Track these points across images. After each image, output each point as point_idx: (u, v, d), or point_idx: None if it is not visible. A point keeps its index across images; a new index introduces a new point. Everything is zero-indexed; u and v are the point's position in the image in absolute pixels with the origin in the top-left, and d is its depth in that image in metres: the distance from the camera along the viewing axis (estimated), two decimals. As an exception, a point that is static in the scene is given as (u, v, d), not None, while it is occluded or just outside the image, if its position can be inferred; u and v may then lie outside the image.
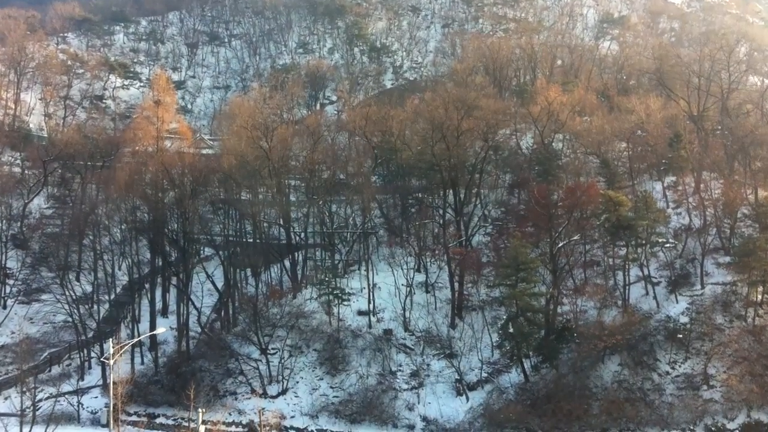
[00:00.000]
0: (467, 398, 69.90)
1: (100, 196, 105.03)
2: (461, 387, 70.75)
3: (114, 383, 53.56)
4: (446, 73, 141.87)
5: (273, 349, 76.61)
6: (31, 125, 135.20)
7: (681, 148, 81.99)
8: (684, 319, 69.54)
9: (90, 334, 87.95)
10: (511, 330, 68.40)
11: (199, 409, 44.54)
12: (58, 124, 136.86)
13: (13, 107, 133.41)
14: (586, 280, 78.38)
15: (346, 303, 78.97)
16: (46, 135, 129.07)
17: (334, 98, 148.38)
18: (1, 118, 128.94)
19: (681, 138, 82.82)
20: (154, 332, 69.52)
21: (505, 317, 73.49)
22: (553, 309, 71.45)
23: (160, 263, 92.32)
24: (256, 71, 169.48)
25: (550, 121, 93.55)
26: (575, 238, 74.43)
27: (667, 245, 73.88)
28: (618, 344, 66.00)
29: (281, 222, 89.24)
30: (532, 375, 69.20)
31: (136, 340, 66.55)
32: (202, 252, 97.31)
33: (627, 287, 73.54)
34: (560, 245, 72.91)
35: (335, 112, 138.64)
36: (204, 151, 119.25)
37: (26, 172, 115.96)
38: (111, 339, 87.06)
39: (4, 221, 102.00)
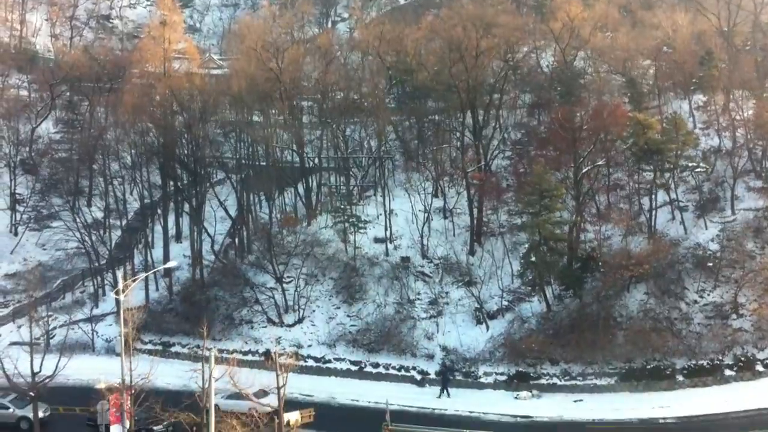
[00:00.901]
0: (487, 327, 67.40)
1: (109, 119, 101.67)
2: (481, 316, 68.14)
3: (125, 319, 50.63)
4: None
5: (288, 277, 74.07)
6: (37, 47, 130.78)
7: (713, 66, 77.16)
8: (714, 246, 66.17)
9: (103, 261, 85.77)
10: (533, 259, 65.29)
11: (212, 352, 41.93)
12: (65, 45, 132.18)
13: (19, 28, 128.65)
14: (610, 204, 74.89)
15: (362, 231, 75.96)
16: (52, 57, 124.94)
17: (346, 15, 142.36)
18: (7, 39, 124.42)
19: (713, 55, 77.85)
20: (166, 266, 67.03)
21: (526, 244, 70.41)
22: (575, 236, 68.08)
23: (172, 188, 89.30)
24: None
25: (572, 38, 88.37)
26: (600, 162, 70.56)
27: (698, 170, 69.91)
28: (645, 273, 62.81)
29: (294, 147, 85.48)
30: (555, 304, 66.39)
31: (145, 275, 64.07)
32: (214, 175, 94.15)
33: (653, 212, 69.84)
34: (585, 170, 69.17)
35: (347, 30, 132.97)
36: (214, 72, 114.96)
37: (33, 95, 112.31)
38: (121, 271, 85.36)
39: (13, 146, 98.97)
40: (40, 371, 59.24)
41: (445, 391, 62.44)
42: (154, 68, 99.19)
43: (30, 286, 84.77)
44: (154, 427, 55.37)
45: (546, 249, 65.52)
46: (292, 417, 50.03)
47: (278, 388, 44.93)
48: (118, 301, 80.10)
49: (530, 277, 66.04)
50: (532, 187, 65.52)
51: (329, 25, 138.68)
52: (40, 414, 59.63)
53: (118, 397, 51.01)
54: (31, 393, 56.77)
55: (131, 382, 50.87)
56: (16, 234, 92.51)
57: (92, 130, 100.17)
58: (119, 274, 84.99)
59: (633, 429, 54.83)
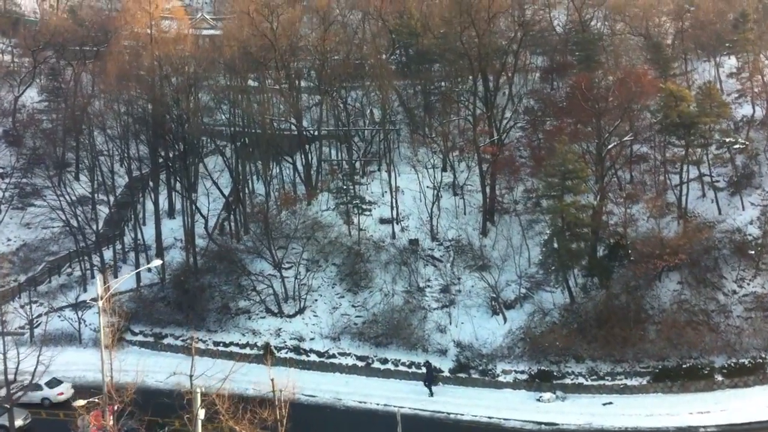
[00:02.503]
0: (504, 319, 59.97)
1: (95, 88, 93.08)
2: (497, 306, 60.69)
3: (108, 324, 43.07)
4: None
5: (288, 263, 66.48)
6: (23, 8, 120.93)
7: (747, 29, 68.30)
8: (753, 230, 58.45)
9: (91, 241, 77.98)
10: (555, 246, 57.64)
11: (198, 391, 34.46)
12: (53, 5, 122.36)
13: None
14: (632, 179, 67.12)
15: (367, 213, 68.12)
16: (38, 19, 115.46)
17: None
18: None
19: (747, 17, 68.86)
20: (151, 265, 59.60)
21: (543, 223, 63.20)
22: (596, 220, 59.93)
23: (163, 161, 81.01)
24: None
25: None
26: (628, 138, 62.44)
27: (736, 146, 61.68)
28: (680, 263, 55.24)
29: (292, 120, 76.99)
30: (580, 297, 58.77)
31: (129, 275, 55.50)
32: (209, 145, 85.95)
33: (683, 188, 61.72)
34: (610, 147, 61.03)
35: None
36: (206, 32, 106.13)
37: (16, 60, 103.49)
38: (110, 251, 77.90)
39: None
40: (15, 380, 52.05)
41: (430, 390, 56.20)
42: (142, 29, 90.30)
43: (15, 269, 77.66)
44: (147, 441, 48.25)
45: (569, 235, 57.75)
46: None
47: (278, 421, 37.54)
48: (107, 290, 73.36)
49: (553, 267, 58.23)
50: (554, 167, 57.45)
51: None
52: (20, 422, 53.15)
53: (99, 415, 43.90)
54: (6, 405, 49.80)
55: (114, 398, 43.54)
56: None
57: (78, 99, 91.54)
58: (108, 254, 78.41)
59: (670, 440, 48.05)
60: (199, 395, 35.06)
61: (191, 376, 37.72)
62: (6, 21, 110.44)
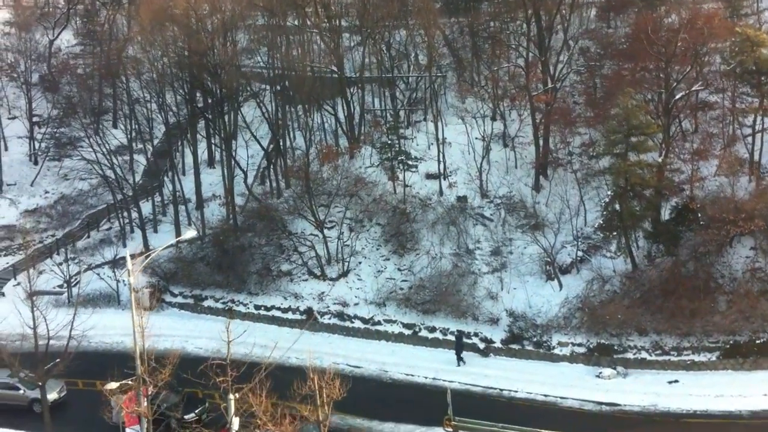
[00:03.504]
0: (560, 285, 54.90)
1: (130, 30, 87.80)
2: (552, 271, 55.59)
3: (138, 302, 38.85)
4: None
5: (330, 222, 61.86)
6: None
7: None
8: (835, 190, 52.21)
9: (129, 193, 74.02)
10: (617, 207, 52.01)
11: (232, 400, 30.54)
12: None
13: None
14: (698, 130, 60.55)
15: (413, 170, 62.79)
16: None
17: None
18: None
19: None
20: (183, 237, 55.41)
21: (600, 177, 57.59)
22: (660, 178, 53.72)
23: (201, 109, 76.09)
24: None
25: None
26: (698, 87, 55.74)
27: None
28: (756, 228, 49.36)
29: (333, 68, 71.16)
30: (644, 264, 53.25)
31: (159, 250, 50.63)
32: (246, 90, 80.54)
33: (755, 140, 55.31)
34: (678, 97, 54.51)
35: None
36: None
37: (50, 1, 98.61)
38: (149, 204, 73.99)
39: (30, 61, 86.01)
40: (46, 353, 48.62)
41: (461, 360, 52.27)
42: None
43: (53, 224, 74.51)
44: (185, 416, 45.20)
45: (633, 195, 52.00)
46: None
47: (319, 422, 33.57)
48: (145, 239, 69.92)
49: (614, 233, 52.67)
50: (618, 122, 51.35)
51: None
52: (55, 395, 50.12)
53: (133, 398, 40.50)
54: (39, 383, 46.65)
55: (147, 381, 39.93)
56: (36, 163, 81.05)
57: (113, 41, 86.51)
58: (147, 208, 74.54)
59: (743, 426, 43.12)
60: (233, 401, 31.15)
61: (227, 362, 33.75)
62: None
